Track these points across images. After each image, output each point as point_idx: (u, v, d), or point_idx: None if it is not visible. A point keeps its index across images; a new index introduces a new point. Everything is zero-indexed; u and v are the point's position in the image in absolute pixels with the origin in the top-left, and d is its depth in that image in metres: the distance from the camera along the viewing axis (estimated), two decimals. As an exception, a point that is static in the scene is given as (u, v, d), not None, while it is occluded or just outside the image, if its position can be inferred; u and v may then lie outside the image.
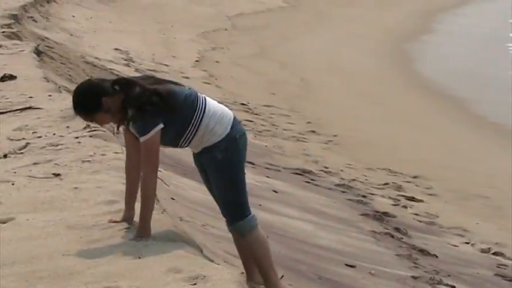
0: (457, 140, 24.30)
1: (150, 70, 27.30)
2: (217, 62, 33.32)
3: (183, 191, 12.19)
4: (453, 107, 29.28)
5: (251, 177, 15.13)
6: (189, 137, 8.03)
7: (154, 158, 7.87)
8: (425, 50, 42.70)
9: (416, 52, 41.41)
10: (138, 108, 7.72)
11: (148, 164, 7.86)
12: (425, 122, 26.59)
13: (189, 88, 8.16)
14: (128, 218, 8.36)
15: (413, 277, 11.50)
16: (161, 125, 7.74)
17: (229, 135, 8.03)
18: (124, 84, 7.78)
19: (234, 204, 8.21)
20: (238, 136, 8.11)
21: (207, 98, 8.13)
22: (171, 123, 7.87)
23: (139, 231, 7.76)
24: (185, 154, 15.46)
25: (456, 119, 27.17)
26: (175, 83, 8.15)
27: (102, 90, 7.70)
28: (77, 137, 11.65)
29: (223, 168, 8.08)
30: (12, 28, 24.35)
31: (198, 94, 8.07)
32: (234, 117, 8.16)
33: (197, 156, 8.31)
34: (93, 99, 7.66)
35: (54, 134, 11.91)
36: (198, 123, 7.97)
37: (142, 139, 7.76)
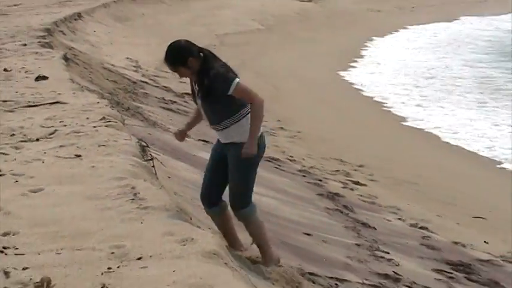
0: (392, 137, 24.43)
1: (154, 76, 27.23)
2: (206, 70, 33.31)
3: (177, 171, 12.15)
4: (384, 113, 29.51)
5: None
6: (230, 123, 8.17)
7: (253, 94, 8.12)
8: (364, 65, 43.04)
9: (359, 66, 41.71)
10: (209, 80, 7.99)
11: (253, 100, 8.12)
12: (366, 122, 26.73)
13: None
14: (182, 131, 9.13)
15: (356, 244, 11.53)
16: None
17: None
18: (207, 55, 8.00)
19: (241, 194, 8.36)
20: (262, 145, 8.27)
21: None
22: (227, 102, 8.06)
23: (248, 146, 7.99)
24: (180, 143, 15.41)
25: (388, 122, 27.41)
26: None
27: (190, 51, 7.98)
28: (95, 126, 11.62)
29: (243, 164, 8.16)
30: (45, 39, 24.28)
31: None
32: (263, 132, 8.37)
33: (223, 146, 8.37)
34: (182, 56, 7.95)
35: (76, 124, 11.87)
36: (242, 116, 8.13)
37: (231, 91, 8.01)
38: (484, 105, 33.65)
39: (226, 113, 8.13)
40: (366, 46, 52.70)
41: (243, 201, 8.32)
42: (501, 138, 26.21)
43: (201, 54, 8.12)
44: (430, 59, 49.70)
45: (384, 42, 57.64)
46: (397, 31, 64.47)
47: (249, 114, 8.08)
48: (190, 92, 8.72)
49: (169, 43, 8.30)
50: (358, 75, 39.42)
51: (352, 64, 43.56)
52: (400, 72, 44.47)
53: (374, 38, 56.92)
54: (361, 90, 34.92)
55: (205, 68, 8.10)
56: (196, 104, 8.53)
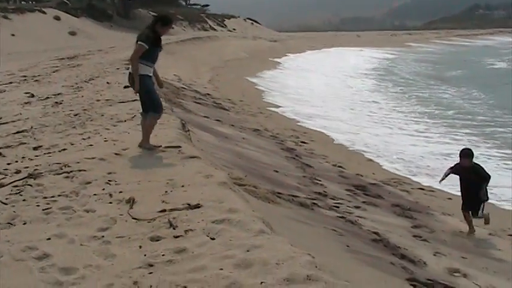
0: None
1: (189, 84, 27.12)
2: (218, 81, 33.08)
3: (202, 137, 12.11)
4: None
5: (233, 132, 15.11)
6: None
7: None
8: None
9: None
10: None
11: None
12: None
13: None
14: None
15: (303, 176, 11.53)
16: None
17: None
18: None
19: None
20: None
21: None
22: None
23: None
24: (204, 121, 15.34)
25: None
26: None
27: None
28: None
29: None
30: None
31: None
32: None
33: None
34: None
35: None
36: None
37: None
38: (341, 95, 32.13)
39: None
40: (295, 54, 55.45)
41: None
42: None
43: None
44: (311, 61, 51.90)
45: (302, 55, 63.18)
46: (316, 50, 72.28)
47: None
48: (156, 42, 8.33)
49: (167, 15, 8.67)
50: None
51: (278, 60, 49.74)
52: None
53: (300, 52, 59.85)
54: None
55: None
56: (155, 49, 8.33)
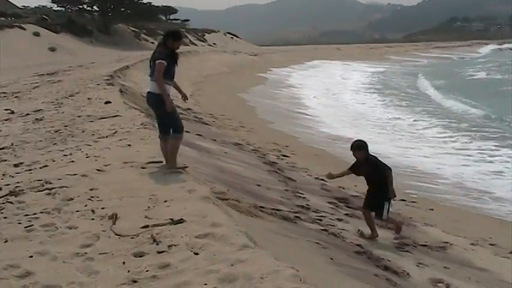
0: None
1: (170, 99, 27.01)
2: (199, 95, 33.01)
3: (184, 152, 12.06)
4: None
5: (215, 146, 15.09)
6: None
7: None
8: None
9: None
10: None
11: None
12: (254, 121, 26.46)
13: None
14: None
15: (285, 190, 11.52)
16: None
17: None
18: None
19: None
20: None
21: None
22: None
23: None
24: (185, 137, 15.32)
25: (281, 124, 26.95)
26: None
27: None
28: (138, 128, 11.64)
29: None
30: (109, 80, 24.09)
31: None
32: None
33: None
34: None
35: (128, 127, 11.85)
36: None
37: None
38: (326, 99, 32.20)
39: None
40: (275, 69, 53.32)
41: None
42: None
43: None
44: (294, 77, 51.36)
45: (287, 69, 61.76)
46: (299, 64, 71.32)
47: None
48: (172, 58, 8.46)
49: (177, 30, 8.80)
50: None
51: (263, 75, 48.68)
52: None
53: (284, 67, 59.72)
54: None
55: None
56: (172, 65, 8.43)
